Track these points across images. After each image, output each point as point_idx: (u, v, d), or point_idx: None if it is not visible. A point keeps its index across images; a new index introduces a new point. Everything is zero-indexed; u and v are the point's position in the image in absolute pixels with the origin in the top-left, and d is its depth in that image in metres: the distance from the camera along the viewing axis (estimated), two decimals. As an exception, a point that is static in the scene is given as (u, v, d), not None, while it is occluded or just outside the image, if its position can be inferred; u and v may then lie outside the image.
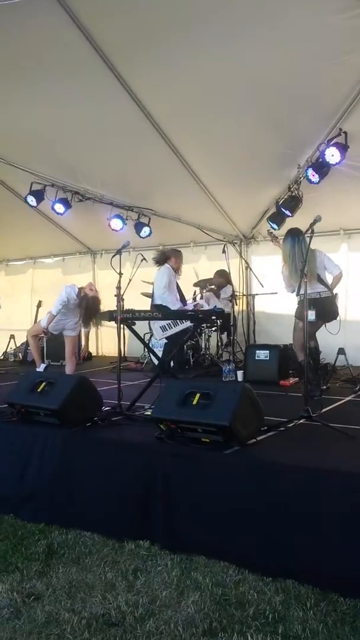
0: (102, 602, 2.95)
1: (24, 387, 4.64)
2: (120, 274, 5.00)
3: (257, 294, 8.78)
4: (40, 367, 7.20)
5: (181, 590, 3.06)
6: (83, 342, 8.47)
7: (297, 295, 5.74)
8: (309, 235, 4.71)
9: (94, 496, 3.86)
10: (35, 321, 9.81)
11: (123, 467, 3.82)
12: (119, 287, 4.96)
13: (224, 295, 8.68)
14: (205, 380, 6.82)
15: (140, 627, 2.70)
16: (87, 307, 6.69)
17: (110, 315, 4.97)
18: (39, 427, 4.46)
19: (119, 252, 5.14)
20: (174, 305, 7.39)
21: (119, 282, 4.99)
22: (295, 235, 5.99)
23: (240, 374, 7.02)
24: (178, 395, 3.91)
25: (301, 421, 4.33)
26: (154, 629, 2.68)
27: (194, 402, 3.82)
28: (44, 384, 4.56)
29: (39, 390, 4.53)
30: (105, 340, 11.14)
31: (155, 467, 3.69)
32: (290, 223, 7.55)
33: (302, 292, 5.57)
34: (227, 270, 8.29)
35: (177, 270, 7.84)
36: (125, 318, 5.04)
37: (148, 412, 4.70)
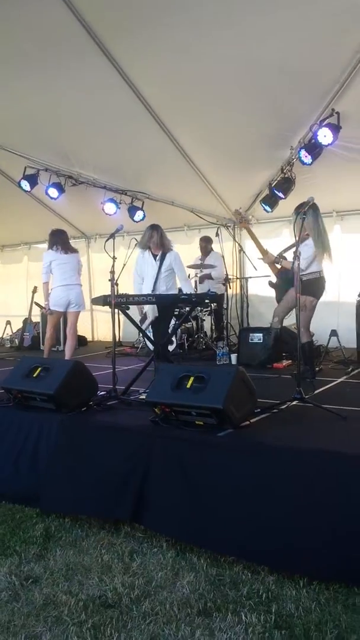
0: (98, 584, 2.99)
1: (20, 372, 4.65)
2: (114, 258, 5.00)
3: (250, 277, 8.79)
4: None
5: (176, 571, 3.10)
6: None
7: (319, 272, 5.69)
8: (302, 217, 4.70)
9: (90, 480, 3.88)
10: (31, 306, 9.83)
11: (119, 450, 3.84)
12: (112, 272, 4.97)
13: (214, 272, 8.67)
14: (199, 364, 6.85)
15: (136, 608, 2.74)
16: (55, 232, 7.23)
17: (104, 300, 4.98)
18: (35, 412, 4.48)
19: (112, 236, 5.13)
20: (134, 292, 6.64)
21: (113, 266, 4.98)
22: (316, 209, 5.72)
23: (234, 357, 7.06)
24: (172, 379, 3.93)
25: (294, 403, 4.37)
26: (150, 610, 2.73)
27: (188, 386, 3.84)
28: (39, 369, 4.57)
29: (34, 375, 4.55)
30: (100, 326, 11.15)
31: (150, 451, 3.70)
32: (283, 205, 7.58)
33: (319, 269, 5.61)
34: (221, 252, 8.29)
35: (151, 248, 6.60)
36: (120, 302, 5.04)
37: (143, 396, 4.73)
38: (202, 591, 2.88)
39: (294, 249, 5.50)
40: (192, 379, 3.87)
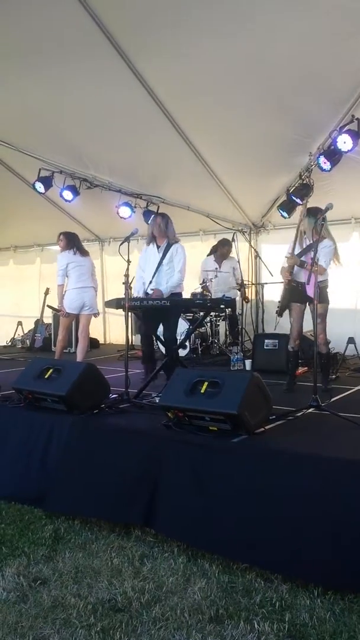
0: (108, 587, 2.94)
1: (31, 373, 4.63)
2: (129, 261, 4.96)
3: (266, 283, 8.72)
4: None
5: (187, 577, 3.05)
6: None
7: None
8: (321, 223, 4.65)
9: (102, 483, 3.85)
10: (43, 308, 9.82)
11: (131, 454, 3.80)
12: (127, 275, 4.92)
13: (228, 268, 8.59)
14: (213, 369, 6.79)
15: (147, 613, 2.70)
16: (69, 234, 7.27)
17: (118, 303, 4.95)
18: (46, 413, 4.46)
19: (127, 239, 5.11)
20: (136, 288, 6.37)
21: (127, 269, 4.94)
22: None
23: (248, 362, 7.00)
24: (186, 384, 3.89)
25: (310, 410, 4.31)
26: (160, 615, 2.68)
27: (202, 391, 3.79)
28: (51, 370, 4.55)
29: (46, 376, 4.53)
30: (112, 328, 11.13)
31: (164, 455, 3.66)
32: (300, 211, 7.52)
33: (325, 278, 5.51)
34: (237, 257, 8.25)
35: (156, 239, 6.22)
36: (133, 306, 5.00)
37: (156, 400, 4.68)
38: (213, 598, 2.83)
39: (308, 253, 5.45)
40: (206, 383, 3.83)
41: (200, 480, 3.46)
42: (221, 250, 8.68)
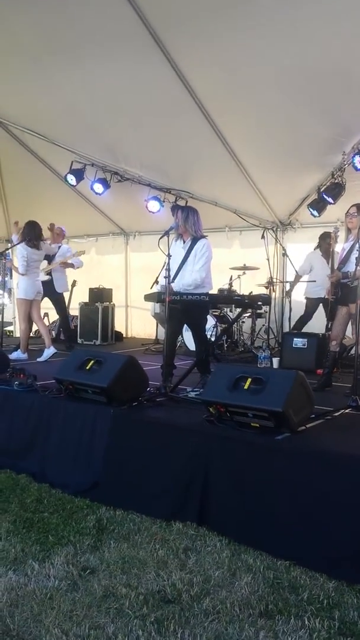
0: (156, 579, 2.98)
1: (72, 364, 4.70)
2: (169, 255, 4.98)
3: (292, 282, 8.71)
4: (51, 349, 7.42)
5: (233, 571, 3.08)
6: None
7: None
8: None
9: (142, 476, 3.90)
10: (70, 300, 9.85)
11: (173, 447, 3.85)
12: (168, 269, 4.95)
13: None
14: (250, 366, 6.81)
15: (197, 606, 2.73)
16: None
17: (159, 297, 4.98)
18: (87, 404, 4.51)
19: (166, 233, 5.11)
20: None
21: (168, 264, 4.97)
22: None
23: (275, 360, 7.00)
24: (229, 379, 3.92)
25: (348, 410, 4.32)
26: (211, 608, 2.71)
27: (246, 387, 3.82)
28: (92, 362, 4.60)
29: (87, 367, 4.59)
30: (135, 322, 11.16)
31: (207, 449, 3.71)
32: (331, 210, 7.52)
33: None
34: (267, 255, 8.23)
35: (181, 235, 5.68)
36: (175, 300, 5.02)
37: (191, 395, 4.72)
38: (261, 593, 2.86)
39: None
40: (249, 380, 3.85)
41: (249, 478, 3.50)
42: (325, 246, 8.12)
